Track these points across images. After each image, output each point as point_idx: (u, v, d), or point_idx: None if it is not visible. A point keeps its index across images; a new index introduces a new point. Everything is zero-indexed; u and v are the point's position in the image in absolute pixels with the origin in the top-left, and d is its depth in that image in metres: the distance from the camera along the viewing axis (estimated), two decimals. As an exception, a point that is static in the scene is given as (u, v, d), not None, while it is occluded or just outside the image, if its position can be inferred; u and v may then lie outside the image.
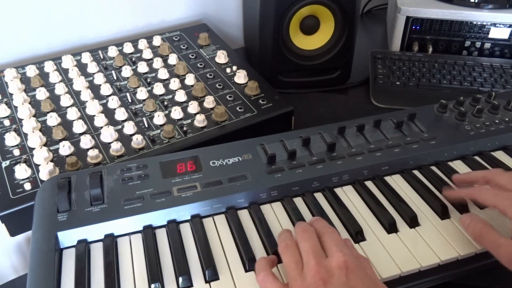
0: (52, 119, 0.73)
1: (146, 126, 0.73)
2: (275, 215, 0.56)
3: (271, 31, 0.86)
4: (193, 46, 0.94)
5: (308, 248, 0.46)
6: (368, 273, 0.45)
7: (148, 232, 0.53)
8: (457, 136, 0.66)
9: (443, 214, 0.56)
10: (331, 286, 0.42)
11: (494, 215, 0.55)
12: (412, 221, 0.55)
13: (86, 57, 0.87)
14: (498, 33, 0.98)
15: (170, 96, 0.79)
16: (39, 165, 0.65)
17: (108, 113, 0.75)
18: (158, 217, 0.54)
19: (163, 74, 0.84)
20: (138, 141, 0.69)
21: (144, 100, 0.78)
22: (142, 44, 0.92)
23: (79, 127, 0.72)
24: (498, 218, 0.54)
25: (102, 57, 0.89)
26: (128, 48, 0.91)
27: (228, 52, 0.90)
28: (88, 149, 0.68)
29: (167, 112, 0.75)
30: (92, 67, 0.85)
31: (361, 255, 0.47)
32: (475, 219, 0.52)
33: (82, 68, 0.86)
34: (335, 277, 0.43)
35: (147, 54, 0.89)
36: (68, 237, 0.52)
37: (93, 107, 0.75)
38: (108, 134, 0.69)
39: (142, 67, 0.85)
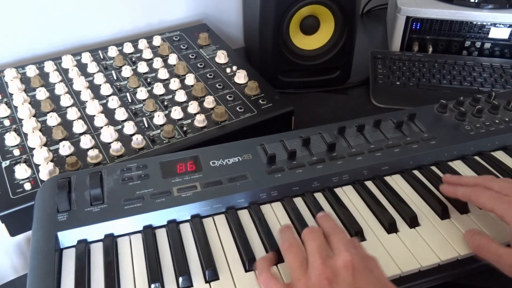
0: (52, 119, 0.73)
1: (146, 126, 0.73)
2: (275, 215, 0.56)
3: (271, 31, 0.86)
4: (193, 46, 0.94)
5: (314, 248, 0.45)
6: (375, 274, 0.44)
7: (148, 232, 0.53)
8: (457, 136, 0.66)
9: (443, 214, 0.56)
10: (337, 287, 0.41)
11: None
12: (412, 221, 0.55)
13: (86, 57, 0.87)
14: (498, 33, 0.98)
15: (170, 96, 0.79)
16: (39, 165, 0.65)
17: (108, 113, 0.75)
18: (158, 217, 0.54)
19: (163, 74, 0.84)
20: (138, 141, 0.69)
21: (144, 100, 0.78)
22: (142, 44, 0.92)
23: (79, 127, 0.72)
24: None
25: (102, 57, 0.89)
26: (128, 48, 0.91)
27: (228, 52, 0.90)
28: (88, 149, 0.68)
29: (167, 112, 0.75)
30: (92, 67, 0.85)
31: (369, 255, 0.46)
32: (476, 232, 0.51)
33: (82, 68, 0.86)
34: (340, 278, 0.42)
35: (147, 54, 0.89)
36: (68, 237, 0.52)
37: (93, 107, 0.75)
38: (108, 134, 0.69)
39: (142, 67, 0.85)
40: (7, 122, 0.73)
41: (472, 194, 0.53)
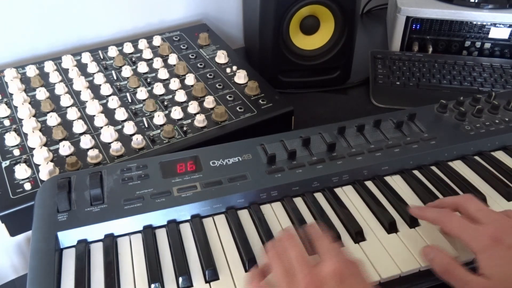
0: (52, 119, 0.73)
1: (146, 126, 0.73)
2: (275, 215, 0.56)
3: (271, 31, 0.86)
4: (193, 46, 0.94)
5: (297, 256, 0.45)
6: (360, 278, 0.44)
7: (148, 232, 0.53)
8: (457, 136, 0.66)
9: (443, 214, 0.56)
10: None
11: None
12: (412, 221, 0.55)
13: (86, 57, 0.87)
14: (498, 33, 0.98)
15: (170, 96, 0.79)
16: (39, 165, 0.65)
17: (108, 113, 0.75)
18: (158, 217, 0.54)
19: (163, 74, 0.84)
20: (138, 141, 0.69)
21: (144, 100, 0.78)
22: (142, 44, 0.92)
23: (79, 127, 0.72)
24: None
25: (102, 57, 0.89)
26: (128, 48, 0.91)
27: (228, 52, 0.90)
28: (88, 149, 0.68)
29: (167, 112, 0.75)
30: (92, 67, 0.85)
31: (353, 260, 0.45)
32: (441, 253, 0.49)
33: (82, 68, 0.86)
34: (328, 285, 0.42)
35: (147, 54, 0.89)
36: (68, 237, 0.52)
37: (93, 107, 0.75)
38: (108, 134, 0.69)
39: (142, 67, 0.85)
40: (7, 122, 0.73)
41: (440, 220, 0.51)
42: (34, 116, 0.74)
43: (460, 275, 0.46)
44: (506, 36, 0.98)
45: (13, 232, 0.62)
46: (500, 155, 0.66)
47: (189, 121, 0.74)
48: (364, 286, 0.43)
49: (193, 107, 0.75)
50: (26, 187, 0.62)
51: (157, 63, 0.86)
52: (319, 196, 0.59)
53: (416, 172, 0.63)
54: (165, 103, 0.78)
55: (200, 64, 0.88)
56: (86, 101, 0.77)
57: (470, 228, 0.48)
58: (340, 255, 0.45)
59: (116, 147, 0.68)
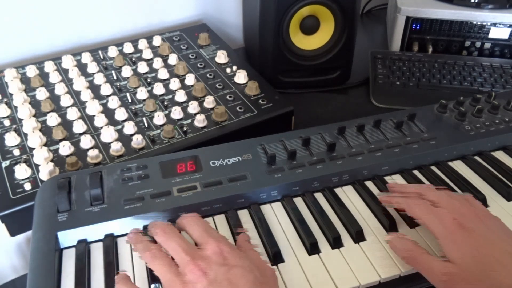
0: (52, 119, 0.73)
1: (146, 126, 0.73)
2: (275, 215, 0.56)
3: (271, 31, 0.86)
4: (193, 46, 0.94)
5: (176, 247, 0.44)
6: (248, 253, 0.45)
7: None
8: (457, 136, 0.66)
9: (443, 214, 0.56)
10: (212, 273, 0.41)
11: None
12: (412, 221, 0.55)
13: (86, 57, 0.87)
14: (498, 33, 0.98)
15: (170, 96, 0.79)
16: (39, 165, 0.65)
17: (108, 113, 0.75)
18: (158, 217, 0.54)
19: (163, 74, 0.84)
20: (138, 141, 0.69)
21: (144, 100, 0.78)
22: (142, 44, 0.92)
23: (79, 127, 0.72)
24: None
25: (102, 57, 0.89)
26: (128, 48, 0.91)
27: (228, 52, 0.90)
28: (88, 149, 0.68)
29: (167, 112, 0.75)
30: (92, 67, 0.85)
31: (238, 242, 0.47)
32: (405, 241, 0.49)
33: (82, 68, 0.86)
34: (213, 263, 0.42)
35: (147, 54, 0.89)
36: (68, 237, 0.52)
37: (93, 107, 0.75)
38: (108, 134, 0.69)
39: (142, 67, 0.85)
40: (7, 122, 0.73)
41: (406, 204, 0.52)
42: (34, 116, 0.74)
43: (425, 261, 0.46)
44: (506, 36, 0.98)
45: (13, 232, 0.62)
46: (500, 155, 0.66)
47: (189, 121, 0.74)
48: (251, 259, 0.44)
49: (193, 107, 0.75)
50: (26, 187, 0.62)
51: (157, 63, 0.86)
52: (319, 196, 0.59)
53: (416, 172, 0.63)
54: (165, 103, 0.78)
55: (200, 64, 0.88)
56: (86, 101, 0.77)
57: (432, 213, 0.49)
58: (218, 234, 0.46)
59: (116, 147, 0.68)
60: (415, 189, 0.54)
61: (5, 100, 0.78)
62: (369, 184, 0.61)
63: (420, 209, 0.50)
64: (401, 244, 0.49)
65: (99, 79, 0.82)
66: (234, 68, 0.86)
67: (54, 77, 0.82)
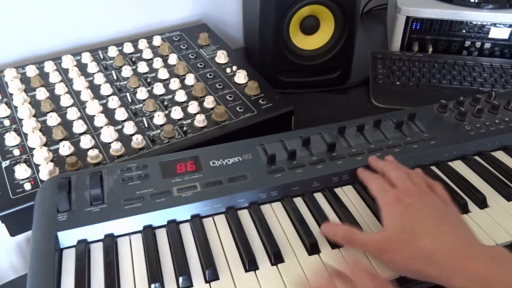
0: (52, 119, 0.73)
1: (146, 126, 0.73)
2: (275, 215, 0.56)
3: (271, 31, 0.86)
4: (193, 46, 0.94)
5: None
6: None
7: (148, 232, 0.53)
8: (457, 136, 0.66)
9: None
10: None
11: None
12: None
13: (86, 57, 0.87)
14: (498, 33, 0.98)
15: (170, 96, 0.79)
16: (39, 165, 0.65)
17: (108, 113, 0.75)
18: (158, 217, 0.54)
19: (163, 74, 0.84)
20: (138, 141, 0.69)
21: (144, 100, 0.78)
22: (142, 44, 0.92)
23: (79, 127, 0.72)
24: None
25: (102, 57, 0.89)
26: (128, 48, 0.91)
27: (228, 52, 0.90)
28: (88, 149, 0.68)
29: (167, 112, 0.75)
30: (92, 67, 0.85)
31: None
32: (338, 226, 0.53)
33: (82, 68, 0.86)
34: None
35: (147, 54, 0.89)
36: (68, 237, 0.52)
37: (93, 107, 0.75)
38: (108, 134, 0.69)
39: (142, 67, 0.85)
40: (7, 122, 0.73)
41: (367, 180, 0.57)
42: (34, 116, 0.74)
43: (359, 239, 0.50)
44: (506, 36, 0.98)
45: (13, 232, 0.62)
46: (500, 155, 0.66)
47: (189, 121, 0.74)
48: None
49: (193, 107, 0.75)
50: (26, 187, 0.62)
51: (157, 63, 0.86)
52: (319, 196, 0.59)
53: (416, 172, 0.63)
54: (165, 103, 0.78)
55: (200, 64, 0.88)
56: (86, 101, 0.77)
57: (384, 190, 0.54)
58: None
59: (116, 147, 0.68)
60: (384, 167, 0.58)
61: (5, 100, 0.78)
62: (369, 184, 0.61)
63: (376, 185, 0.55)
64: (335, 230, 0.53)
65: (99, 79, 0.82)
66: (234, 68, 0.86)
67: (54, 77, 0.82)
